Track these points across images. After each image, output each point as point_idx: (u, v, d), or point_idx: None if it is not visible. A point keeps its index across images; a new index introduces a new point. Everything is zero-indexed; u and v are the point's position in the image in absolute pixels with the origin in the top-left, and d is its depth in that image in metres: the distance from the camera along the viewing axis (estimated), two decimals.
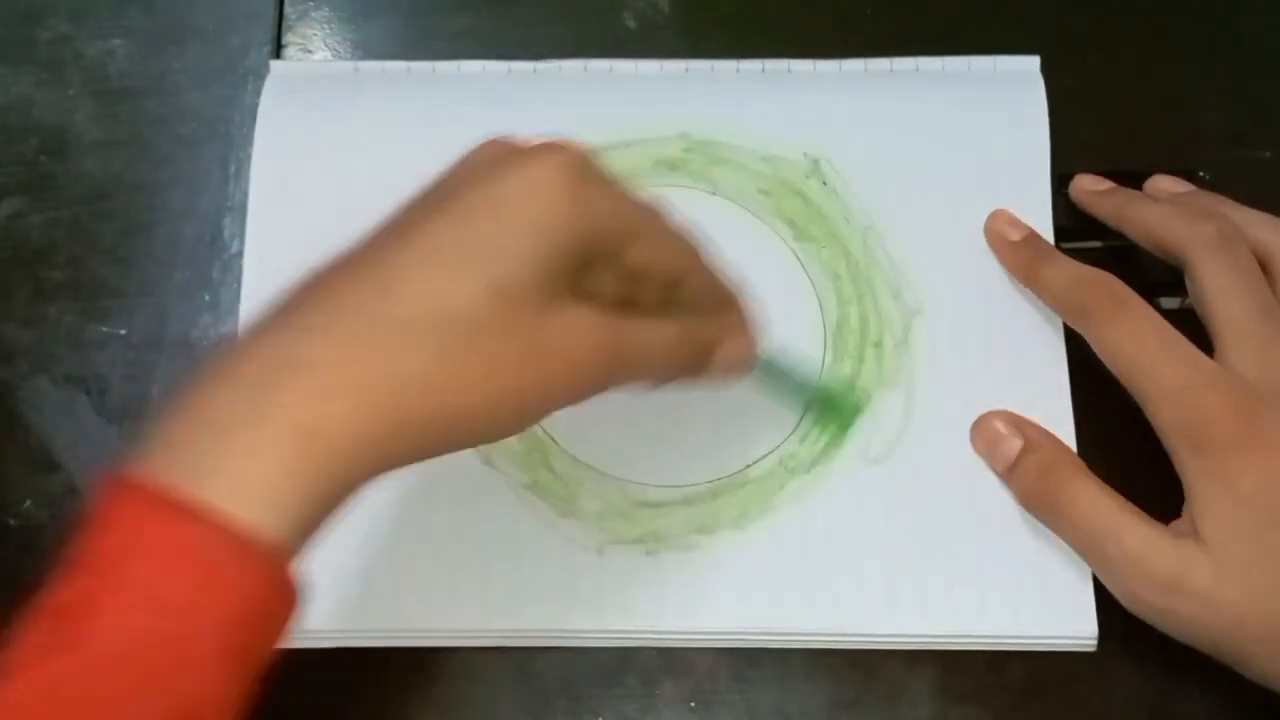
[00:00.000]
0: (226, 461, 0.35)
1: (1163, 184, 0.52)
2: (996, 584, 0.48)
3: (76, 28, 0.57)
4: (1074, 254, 0.51)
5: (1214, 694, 0.47)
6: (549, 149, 0.40)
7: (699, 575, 0.48)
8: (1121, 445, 0.48)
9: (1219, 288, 0.47)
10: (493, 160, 0.40)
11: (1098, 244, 0.52)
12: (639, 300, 0.42)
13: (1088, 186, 0.53)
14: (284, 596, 0.35)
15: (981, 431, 0.49)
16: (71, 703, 0.33)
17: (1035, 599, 0.48)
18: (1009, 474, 0.48)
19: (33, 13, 0.58)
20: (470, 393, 0.38)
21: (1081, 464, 0.47)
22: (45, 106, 0.56)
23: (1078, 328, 0.49)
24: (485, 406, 0.38)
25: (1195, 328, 0.47)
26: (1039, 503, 0.47)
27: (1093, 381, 0.49)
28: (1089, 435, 0.49)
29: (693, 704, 0.48)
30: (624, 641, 0.48)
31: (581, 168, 0.40)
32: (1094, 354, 0.48)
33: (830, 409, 0.50)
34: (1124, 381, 0.46)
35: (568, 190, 0.39)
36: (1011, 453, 0.48)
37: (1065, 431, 0.49)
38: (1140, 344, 0.46)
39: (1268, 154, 0.54)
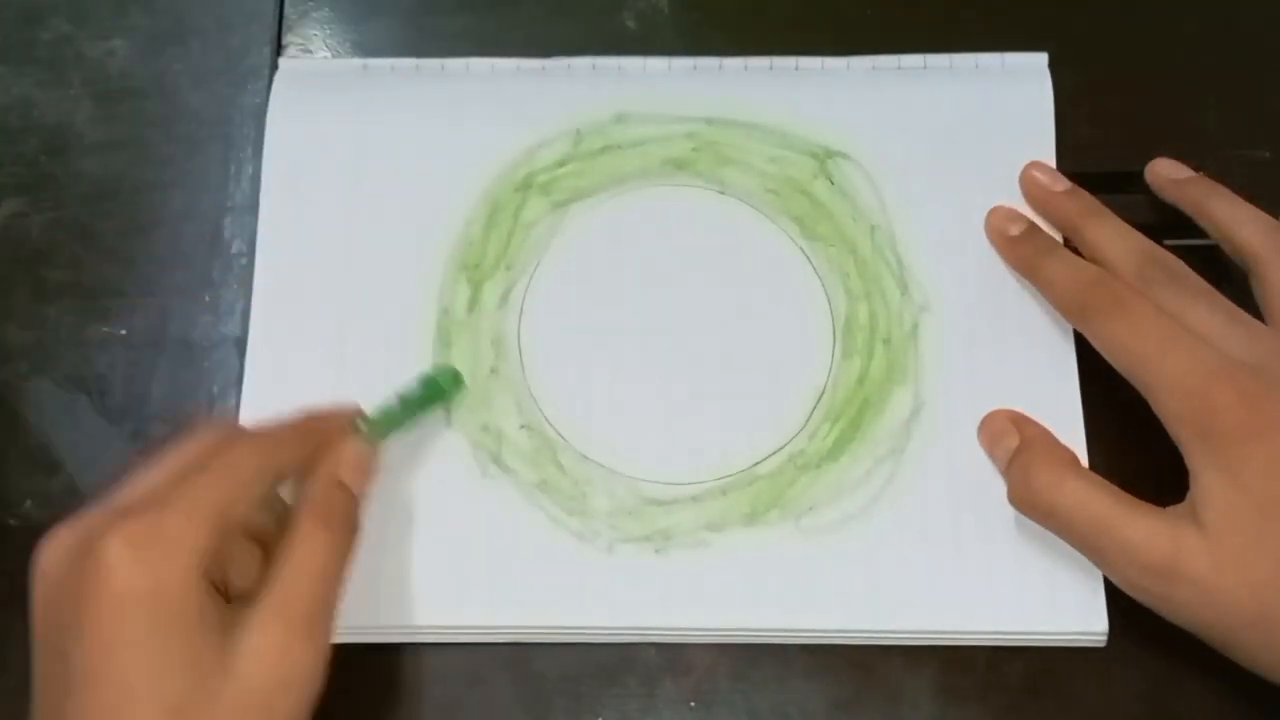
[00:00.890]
0: None
1: (1163, 169, 0.52)
2: (1006, 579, 0.48)
3: (77, 28, 0.57)
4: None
5: (1215, 693, 0.47)
6: (99, 552, 0.38)
7: (707, 572, 0.48)
8: (1130, 438, 0.48)
9: (1177, 312, 0.47)
10: (66, 590, 0.39)
11: None
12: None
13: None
14: None
15: (985, 428, 0.50)
16: None
17: (1045, 595, 0.48)
18: (1006, 473, 0.48)
19: (33, 13, 0.58)
20: None
21: (1073, 460, 0.47)
22: (46, 107, 0.56)
23: (1078, 325, 0.49)
24: None
25: None
26: (1027, 502, 0.47)
27: (1102, 375, 0.49)
28: (1098, 429, 0.50)
29: (693, 703, 0.48)
30: (630, 638, 0.48)
31: (134, 539, 0.39)
32: (1097, 355, 0.48)
33: (436, 395, 0.50)
34: (1128, 375, 0.47)
35: (146, 570, 0.38)
36: (1008, 450, 0.48)
37: (1074, 425, 0.49)
38: (1142, 337, 0.46)
39: (1268, 154, 0.54)
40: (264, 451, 0.43)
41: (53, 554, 0.41)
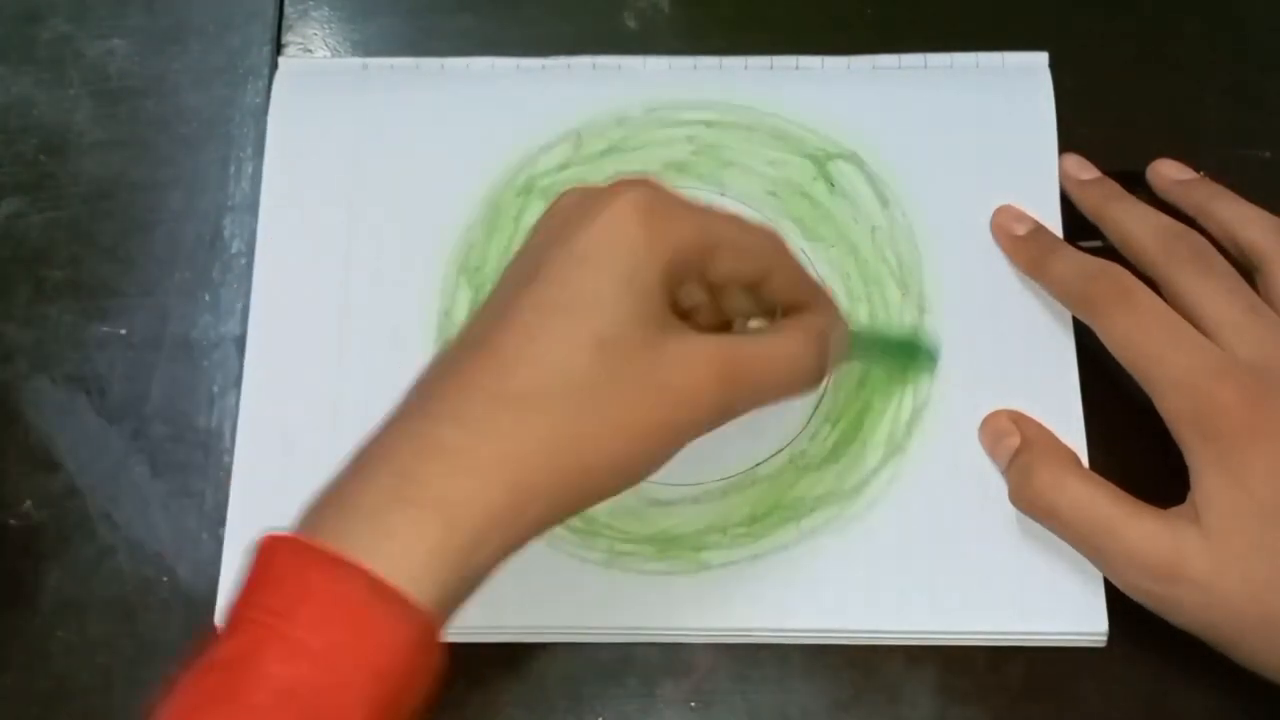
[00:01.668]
0: (378, 542, 0.37)
1: (1166, 169, 0.53)
2: (1006, 580, 0.48)
3: (76, 27, 0.57)
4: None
5: (1214, 694, 0.47)
6: (614, 191, 0.41)
7: (708, 573, 0.48)
8: (1130, 438, 0.48)
9: (1200, 293, 0.47)
10: (567, 214, 0.42)
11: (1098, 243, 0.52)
12: (734, 306, 0.44)
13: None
14: (429, 656, 0.37)
15: (986, 428, 0.50)
16: None
17: (1045, 595, 0.48)
18: (1007, 472, 0.48)
19: (33, 12, 0.58)
20: (596, 451, 0.40)
21: (1074, 460, 0.48)
22: (45, 106, 0.56)
23: (1085, 319, 0.49)
24: (612, 461, 0.40)
25: None
26: (1028, 502, 0.47)
27: (1102, 376, 0.49)
28: (1098, 429, 0.49)
29: (693, 704, 0.48)
30: (631, 638, 0.48)
31: (649, 200, 0.41)
32: (1103, 347, 0.48)
33: (909, 359, 0.51)
34: (1132, 371, 0.46)
35: (640, 226, 0.40)
36: (1009, 450, 0.48)
37: (1075, 425, 0.49)
38: (1148, 333, 0.46)
39: (1268, 154, 0.54)
40: (775, 244, 0.44)
41: (569, 192, 0.44)
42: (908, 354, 0.51)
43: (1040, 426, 0.49)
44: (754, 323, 0.46)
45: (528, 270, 0.42)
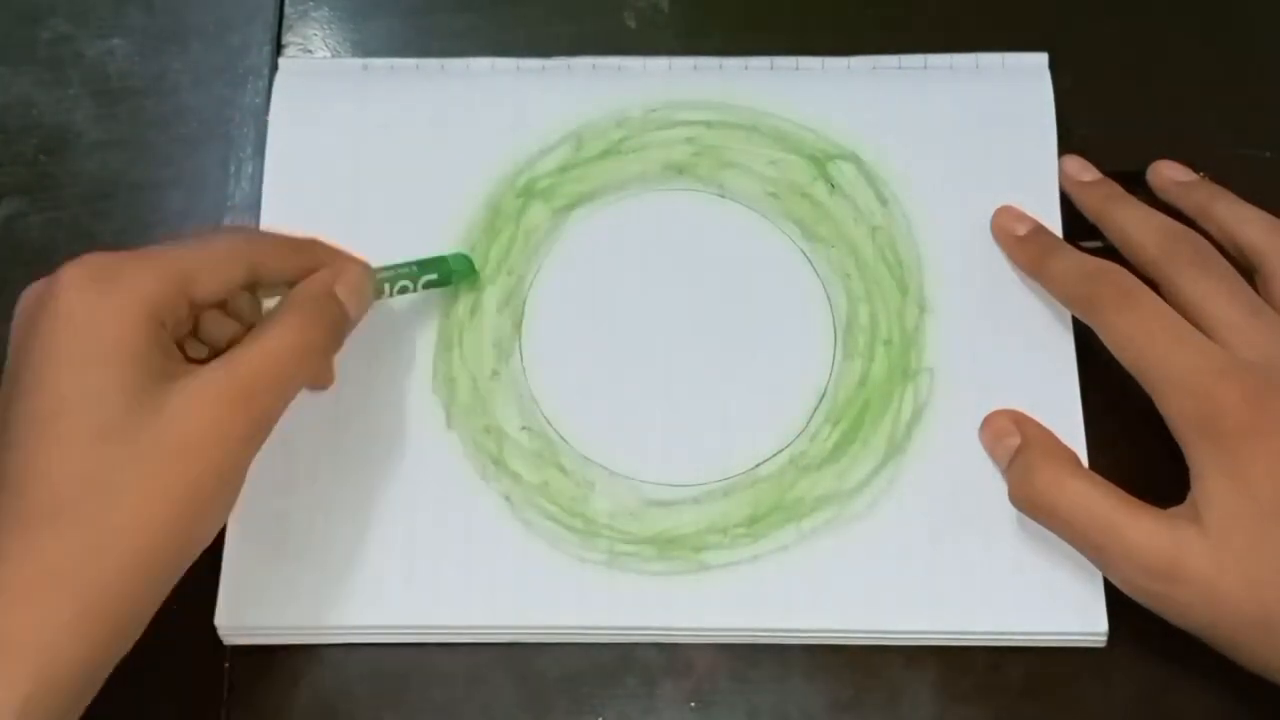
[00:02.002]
0: None
1: (1166, 171, 0.53)
2: (1006, 580, 0.48)
3: (76, 27, 0.57)
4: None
5: (1214, 694, 0.47)
6: (56, 277, 0.41)
7: (709, 574, 0.48)
8: (1130, 439, 0.48)
9: (1201, 294, 0.47)
10: (26, 316, 0.41)
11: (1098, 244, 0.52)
12: (243, 314, 0.44)
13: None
14: None
15: (986, 428, 0.50)
16: None
17: (1045, 595, 0.47)
18: (1007, 472, 0.48)
19: (32, 12, 0.58)
20: (144, 541, 0.39)
21: (1074, 460, 0.47)
22: (45, 106, 0.56)
23: (1086, 319, 0.49)
24: (167, 538, 0.40)
25: None
26: (1028, 502, 0.47)
27: (1102, 376, 0.49)
28: (1098, 430, 0.49)
29: (693, 704, 0.48)
30: (632, 638, 0.48)
31: (94, 270, 0.41)
32: (1103, 348, 0.48)
33: (445, 275, 0.51)
34: (1133, 371, 0.47)
35: (96, 298, 0.40)
36: (1009, 450, 0.48)
37: (1074, 425, 0.49)
38: (1149, 333, 0.46)
39: (1268, 154, 0.54)
40: (245, 237, 0.44)
41: (27, 293, 0.43)
42: (439, 268, 0.51)
43: (1041, 427, 0.49)
44: (265, 303, 0.46)
45: (9, 386, 0.41)
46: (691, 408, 0.50)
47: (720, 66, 0.56)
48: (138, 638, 0.41)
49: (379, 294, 0.48)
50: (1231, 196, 0.51)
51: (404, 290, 0.49)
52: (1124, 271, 0.48)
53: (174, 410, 0.40)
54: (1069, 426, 0.49)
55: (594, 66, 0.56)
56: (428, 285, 0.50)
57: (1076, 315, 0.50)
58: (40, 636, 0.37)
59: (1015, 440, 0.48)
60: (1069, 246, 0.51)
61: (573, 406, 0.50)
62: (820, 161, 0.54)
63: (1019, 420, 0.49)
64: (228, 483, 0.42)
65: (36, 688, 0.37)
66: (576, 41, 0.56)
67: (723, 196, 0.53)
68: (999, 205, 0.53)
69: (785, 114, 0.54)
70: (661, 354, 0.51)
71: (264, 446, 0.49)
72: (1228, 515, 0.43)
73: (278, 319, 0.44)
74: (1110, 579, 0.46)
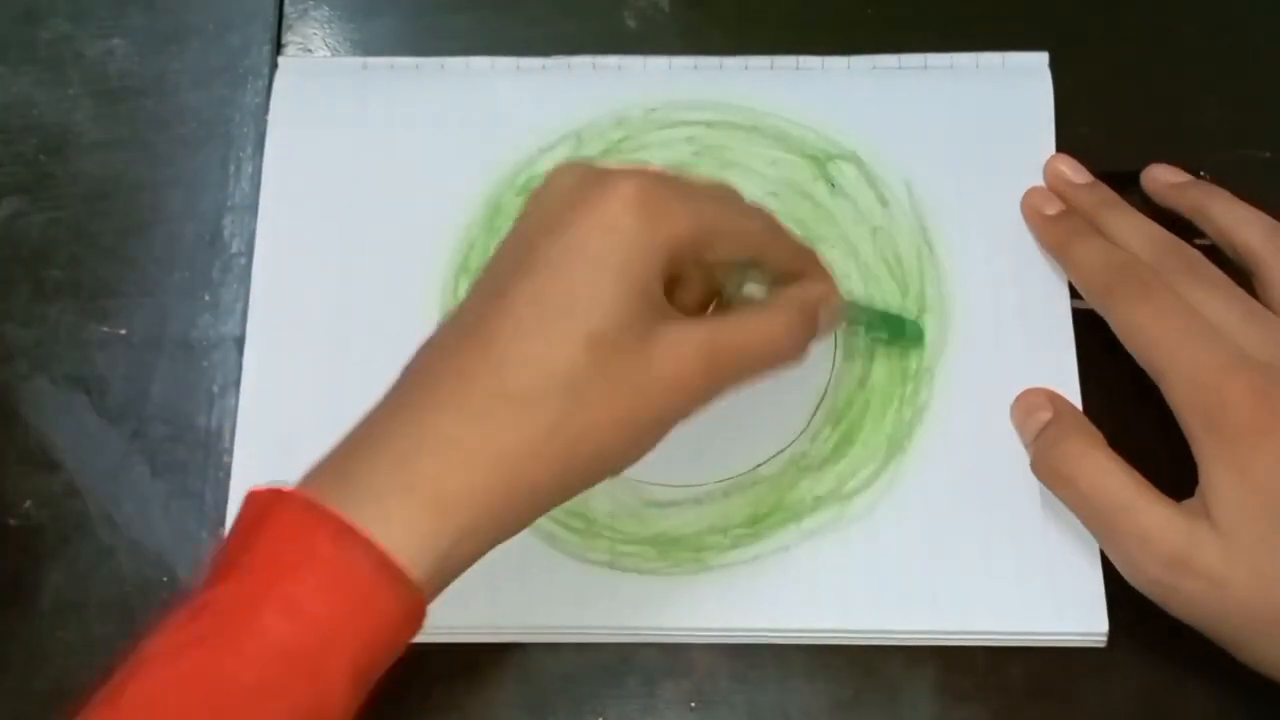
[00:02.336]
0: (377, 524, 0.38)
1: (1160, 174, 0.53)
2: (1007, 580, 0.48)
3: (76, 27, 0.57)
4: None
5: (1214, 694, 0.47)
6: (611, 181, 0.41)
7: (710, 574, 0.48)
8: (1132, 436, 0.48)
9: (1197, 301, 0.47)
10: (563, 200, 0.42)
11: None
12: (728, 284, 0.45)
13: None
14: (412, 630, 0.39)
15: (1019, 403, 0.50)
16: (205, 695, 0.36)
17: (1046, 595, 0.48)
18: (1033, 443, 0.49)
19: (33, 12, 0.58)
20: (587, 445, 0.40)
21: (1100, 439, 0.47)
22: (45, 106, 0.56)
23: (1101, 308, 0.49)
24: (601, 453, 0.41)
25: None
26: (1051, 470, 0.47)
27: (1103, 376, 0.50)
28: (1098, 428, 0.49)
29: (693, 704, 0.48)
30: (633, 639, 0.48)
31: (645, 192, 0.41)
32: (1102, 347, 0.48)
33: (896, 332, 0.51)
34: (1143, 362, 0.47)
35: (636, 221, 0.41)
36: (1040, 423, 0.48)
37: None
38: (1163, 326, 0.46)
39: (1267, 154, 0.54)
40: (768, 221, 0.45)
41: (564, 171, 0.44)
42: (895, 327, 0.51)
43: (1072, 406, 0.49)
44: (748, 287, 0.46)
45: (521, 256, 0.42)
46: None
47: (720, 66, 0.56)
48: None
49: (843, 323, 0.49)
50: (1228, 196, 0.51)
51: (857, 328, 0.51)
52: (1145, 265, 0.48)
53: (660, 349, 0.41)
54: None
55: (594, 66, 0.56)
56: (875, 335, 0.51)
57: (1092, 303, 0.50)
58: (465, 504, 0.39)
59: (1047, 414, 0.48)
60: (1096, 233, 0.51)
61: None
62: (821, 161, 0.54)
63: (1053, 397, 0.49)
64: (662, 431, 0.42)
65: (454, 547, 0.39)
66: (576, 41, 0.57)
67: None
68: (999, 204, 0.53)
69: (786, 114, 0.55)
70: None
71: (262, 447, 0.49)
72: (1235, 510, 0.43)
73: (770, 309, 0.44)
74: (1118, 565, 0.46)
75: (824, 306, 0.46)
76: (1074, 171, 0.53)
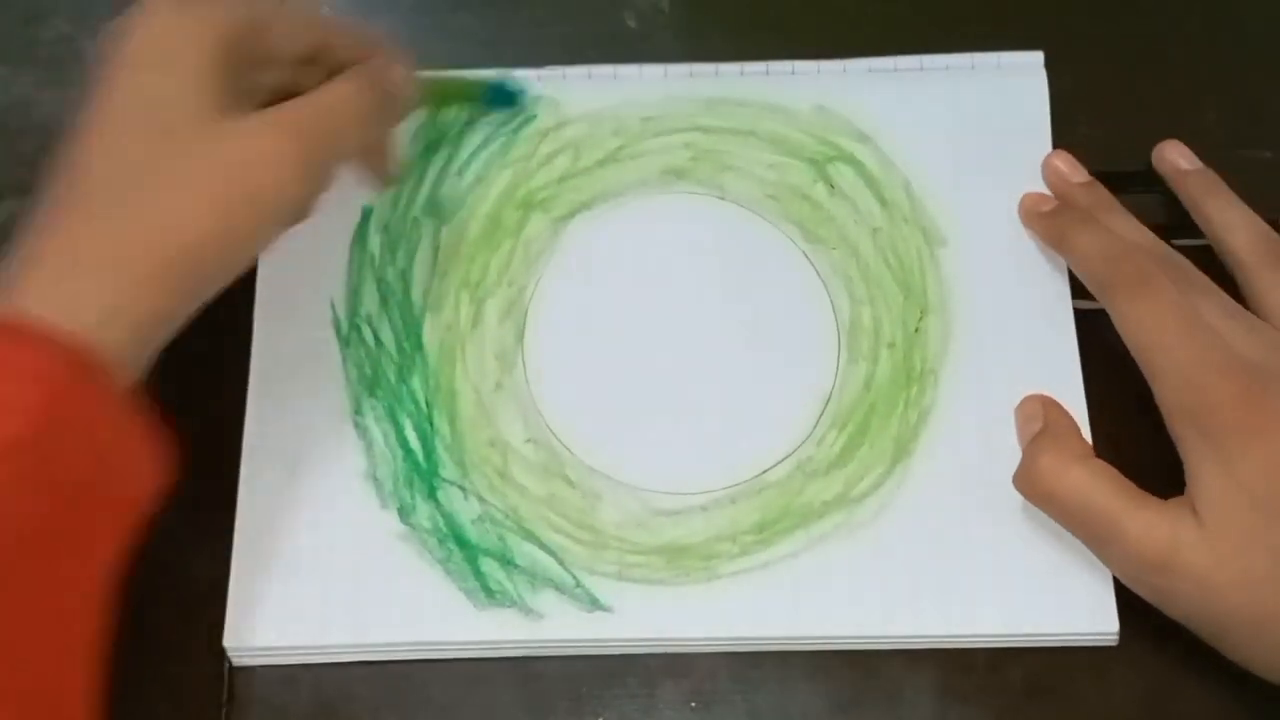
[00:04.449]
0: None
1: (1172, 153, 0.53)
2: (1017, 581, 0.48)
3: (77, 28, 0.57)
4: None
5: (1214, 694, 0.47)
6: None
7: (720, 582, 0.48)
8: (1134, 434, 0.48)
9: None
10: (115, 34, 0.44)
11: None
12: (305, 85, 0.46)
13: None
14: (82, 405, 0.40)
15: (1020, 412, 0.50)
16: None
17: (1056, 595, 0.48)
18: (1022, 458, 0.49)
19: (33, 13, 0.58)
20: (187, 229, 0.42)
21: (1084, 449, 0.48)
22: (46, 107, 0.56)
23: (1101, 300, 0.49)
24: (206, 236, 0.42)
25: None
26: (1028, 486, 0.47)
27: (1105, 374, 0.50)
28: (1102, 428, 0.50)
29: (693, 704, 0.48)
30: (641, 649, 0.48)
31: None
32: (1102, 346, 0.48)
33: (484, 99, 0.53)
34: (1138, 357, 0.47)
35: (177, 16, 0.43)
36: (1030, 435, 0.48)
37: (1079, 423, 0.49)
38: (1160, 322, 0.46)
39: (1268, 154, 0.54)
40: (319, 15, 0.49)
41: (120, 19, 0.45)
42: (481, 94, 0.53)
43: (1063, 413, 0.49)
44: None
45: (92, 86, 0.44)
46: (696, 415, 0.50)
47: (716, 72, 0.56)
48: (176, 329, 0.43)
49: (438, 101, 0.53)
50: (1225, 195, 0.51)
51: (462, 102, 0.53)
52: (1147, 257, 0.48)
53: (235, 129, 0.43)
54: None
55: (589, 76, 0.56)
56: (474, 107, 0.53)
57: (1092, 293, 0.50)
58: (84, 306, 0.40)
59: (1037, 425, 0.48)
60: (1097, 223, 0.51)
61: (577, 417, 0.50)
62: (819, 164, 0.54)
63: (1046, 405, 0.49)
64: (266, 212, 0.44)
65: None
66: (576, 41, 0.56)
67: (722, 199, 0.53)
68: (997, 204, 0.53)
69: (783, 118, 0.55)
70: (665, 361, 0.51)
71: (270, 467, 0.49)
72: (1221, 509, 0.43)
73: (337, 80, 0.46)
74: (1112, 571, 0.47)
75: (397, 69, 0.48)
76: (1070, 169, 0.53)
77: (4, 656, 0.37)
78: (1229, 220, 0.50)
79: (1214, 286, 0.48)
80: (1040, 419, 0.49)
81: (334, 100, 0.46)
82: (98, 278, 0.41)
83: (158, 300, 0.42)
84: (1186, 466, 0.45)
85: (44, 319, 0.39)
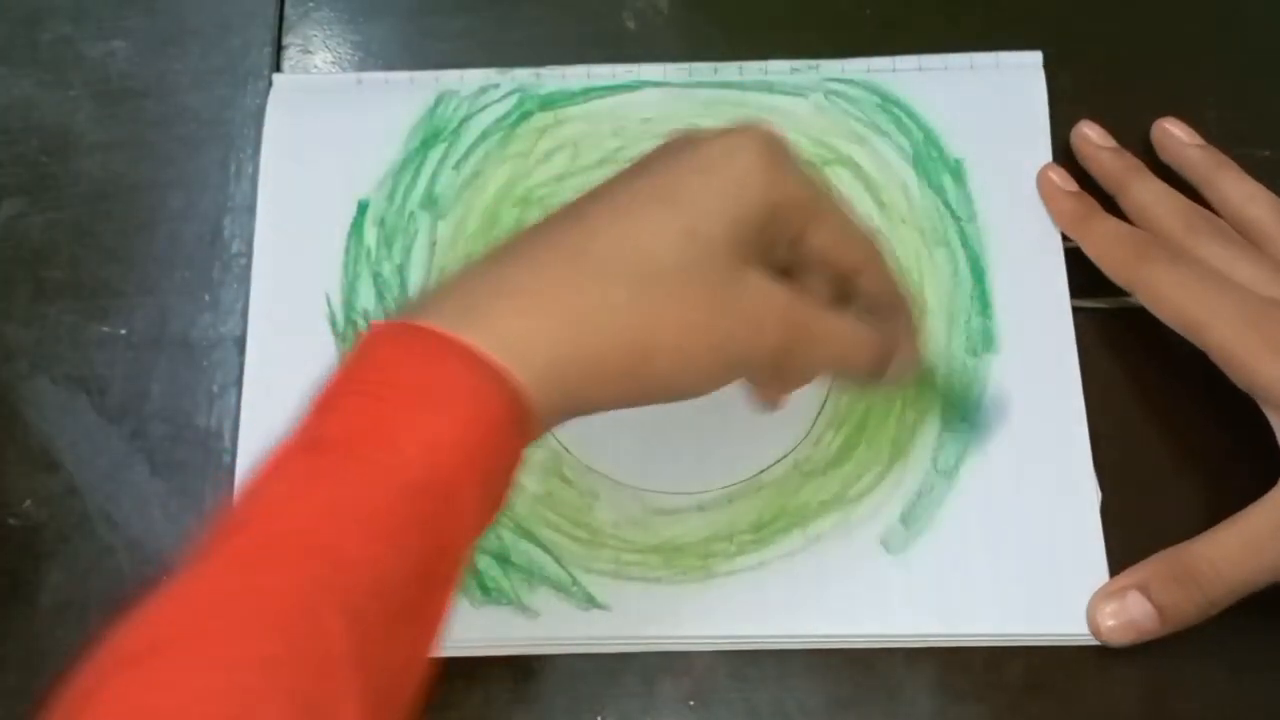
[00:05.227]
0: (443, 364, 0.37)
1: (1172, 128, 0.53)
2: (1014, 580, 0.48)
3: (77, 29, 0.58)
4: None
5: (1212, 692, 0.47)
6: (744, 127, 0.42)
7: (716, 581, 0.48)
8: (1131, 430, 0.48)
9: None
10: (685, 139, 0.42)
11: None
12: (815, 290, 0.44)
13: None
14: (520, 450, 0.38)
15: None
16: (338, 529, 0.35)
17: (1052, 594, 0.48)
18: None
19: (34, 14, 0.58)
20: (661, 338, 0.40)
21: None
22: (46, 107, 0.56)
23: (1128, 280, 0.49)
24: (672, 354, 0.40)
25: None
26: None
27: (1105, 375, 0.50)
28: (1100, 423, 0.50)
29: (692, 702, 0.48)
30: (639, 647, 0.48)
31: (775, 145, 0.42)
32: (1102, 346, 0.48)
33: (959, 413, 0.50)
34: (1180, 321, 0.47)
35: (761, 160, 0.41)
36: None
37: (1078, 421, 0.50)
38: (1200, 285, 0.47)
39: (1267, 153, 0.54)
40: (875, 243, 0.45)
41: (690, 131, 0.44)
42: (960, 409, 0.50)
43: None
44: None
45: (636, 170, 0.42)
46: (694, 415, 0.50)
47: (715, 72, 0.56)
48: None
49: (920, 380, 0.49)
50: (1236, 170, 0.51)
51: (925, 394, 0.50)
52: (1165, 242, 0.49)
53: (750, 282, 0.40)
54: (1072, 422, 0.50)
55: (588, 75, 0.56)
56: (936, 410, 0.50)
57: (1116, 278, 0.50)
58: (533, 348, 0.38)
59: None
60: (1109, 214, 0.51)
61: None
62: (817, 166, 0.54)
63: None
64: (727, 367, 0.41)
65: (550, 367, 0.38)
66: (575, 42, 0.57)
67: None
68: (996, 204, 0.53)
69: (781, 119, 0.54)
70: None
71: (263, 446, 0.49)
72: None
73: (855, 319, 0.44)
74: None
75: (903, 353, 0.45)
76: (1100, 137, 0.53)
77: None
78: (1248, 191, 0.50)
79: (1251, 245, 0.49)
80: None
81: (845, 334, 0.43)
82: (562, 337, 0.39)
83: (590, 387, 0.40)
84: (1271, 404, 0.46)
85: (499, 360, 0.38)
